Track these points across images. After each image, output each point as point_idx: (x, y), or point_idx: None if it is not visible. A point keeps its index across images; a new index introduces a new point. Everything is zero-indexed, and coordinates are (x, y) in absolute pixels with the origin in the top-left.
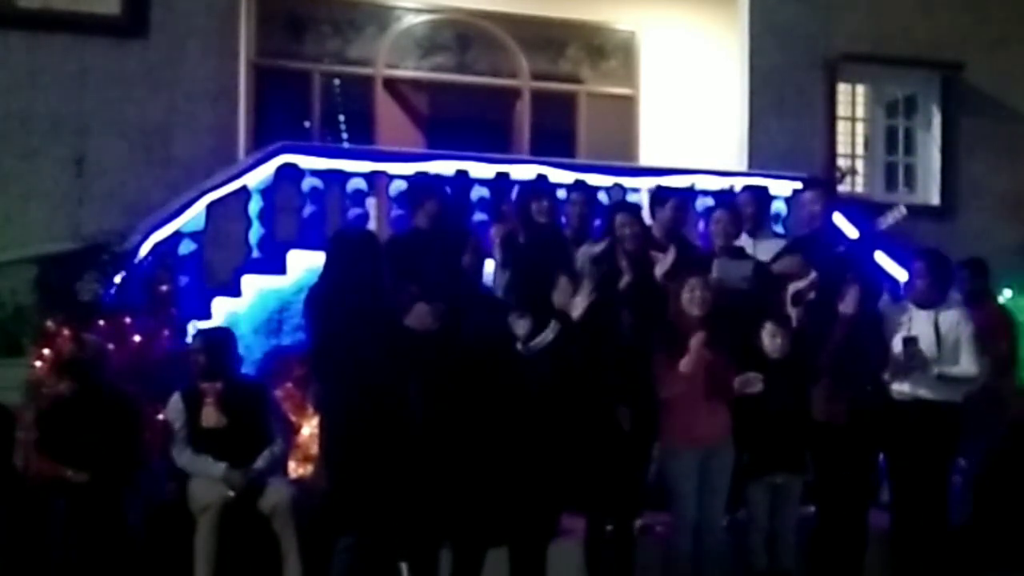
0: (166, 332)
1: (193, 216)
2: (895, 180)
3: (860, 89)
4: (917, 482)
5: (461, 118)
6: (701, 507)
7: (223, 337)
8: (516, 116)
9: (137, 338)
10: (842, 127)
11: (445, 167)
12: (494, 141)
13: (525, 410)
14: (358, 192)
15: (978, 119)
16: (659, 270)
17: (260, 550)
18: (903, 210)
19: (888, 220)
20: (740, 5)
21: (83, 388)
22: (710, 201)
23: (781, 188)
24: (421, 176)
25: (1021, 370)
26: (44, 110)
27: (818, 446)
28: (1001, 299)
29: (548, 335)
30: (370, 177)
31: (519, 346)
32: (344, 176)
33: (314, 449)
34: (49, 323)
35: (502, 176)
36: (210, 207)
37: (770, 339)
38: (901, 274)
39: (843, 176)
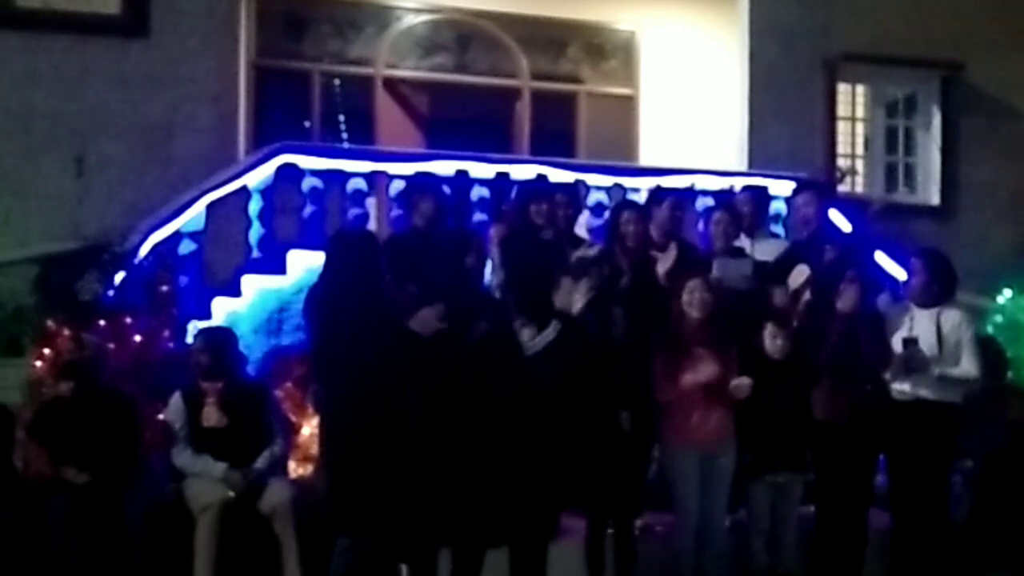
0: (166, 332)
1: (193, 216)
2: (895, 180)
3: (860, 89)
4: (917, 482)
5: (461, 118)
6: (703, 508)
7: (225, 337)
8: (516, 116)
9: (137, 338)
10: (842, 127)
11: (445, 167)
12: (494, 141)
13: (526, 410)
14: (358, 192)
15: (978, 119)
16: (661, 268)
17: (260, 550)
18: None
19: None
20: (740, 5)
21: (83, 388)
22: (710, 201)
23: (781, 188)
24: (418, 176)
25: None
26: (44, 110)
27: (819, 446)
28: (1001, 299)
29: (549, 334)
30: (370, 177)
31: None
32: (344, 176)
33: (314, 449)
34: (49, 323)
35: (502, 176)
36: (210, 207)
37: (771, 340)
38: (901, 274)
39: (843, 176)
